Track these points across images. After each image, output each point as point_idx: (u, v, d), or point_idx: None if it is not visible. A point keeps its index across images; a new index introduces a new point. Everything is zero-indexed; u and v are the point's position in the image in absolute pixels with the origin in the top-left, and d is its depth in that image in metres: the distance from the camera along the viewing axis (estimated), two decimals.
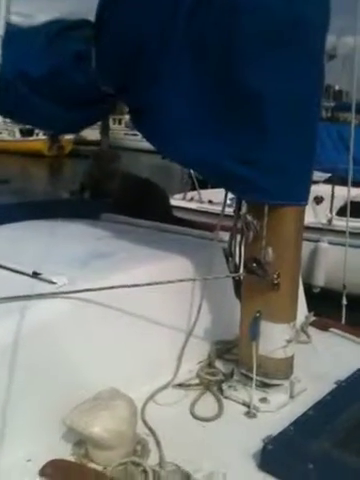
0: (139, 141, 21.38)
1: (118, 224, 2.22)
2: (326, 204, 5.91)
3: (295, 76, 1.36)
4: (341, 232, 3.98)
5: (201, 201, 6.61)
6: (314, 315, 2.10)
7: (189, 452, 1.30)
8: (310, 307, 2.13)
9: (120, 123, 29.00)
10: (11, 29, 1.92)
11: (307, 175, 1.49)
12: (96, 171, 3.20)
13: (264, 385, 1.53)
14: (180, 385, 1.58)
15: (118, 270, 1.59)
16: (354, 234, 4.15)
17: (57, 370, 1.33)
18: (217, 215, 1.76)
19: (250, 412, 1.48)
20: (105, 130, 3.29)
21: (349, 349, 1.90)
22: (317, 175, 5.67)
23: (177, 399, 1.52)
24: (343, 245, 2.60)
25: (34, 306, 1.33)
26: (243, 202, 1.55)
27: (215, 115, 1.44)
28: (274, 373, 1.52)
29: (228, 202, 1.71)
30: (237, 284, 1.62)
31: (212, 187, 6.05)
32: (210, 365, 1.69)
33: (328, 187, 5.85)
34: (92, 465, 1.24)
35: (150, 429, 1.37)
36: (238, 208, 1.57)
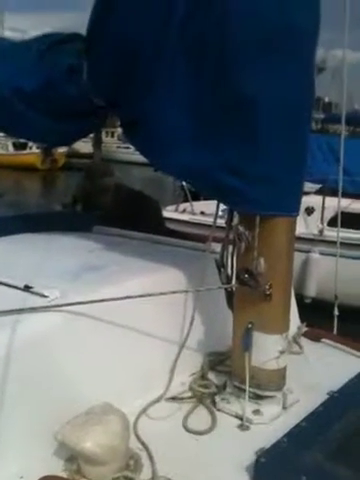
0: (132, 154, 21.47)
1: (110, 236, 2.22)
2: (317, 215, 5.96)
3: (287, 84, 1.38)
4: (332, 242, 4.01)
5: (193, 213, 6.64)
6: (306, 326, 2.11)
7: (182, 466, 1.29)
8: (302, 318, 2.13)
9: (113, 136, 29.12)
10: (3, 44, 1.94)
11: (298, 186, 1.51)
12: (88, 184, 3.20)
13: (257, 397, 1.53)
14: (173, 398, 1.57)
15: (110, 283, 1.59)
16: (345, 244, 4.18)
17: (49, 384, 1.32)
18: (209, 226, 1.77)
19: (243, 425, 1.47)
20: (98, 143, 3.30)
21: (341, 359, 1.91)
22: (308, 186, 5.73)
23: (170, 412, 1.51)
24: (334, 255, 2.61)
25: (26, 320, 1.33)
26: (235, 213, 1.56)
27: (207, 127, 1.46)
28: (267, 384, 1.52)
29: (220, 213, 1.72)
30: (229, 295, 1.62)
31: (204, 199, 6.09)
32: (203, 377, 1.68)
33: (319, 198, 5.90)
34: None
35: (143, 443, 1.35)
36: (230, 219, 1.58)
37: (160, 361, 1.61)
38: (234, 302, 1.59)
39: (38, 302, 1.40)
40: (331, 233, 5.33)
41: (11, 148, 23.93)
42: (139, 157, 1.76)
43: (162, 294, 1.48)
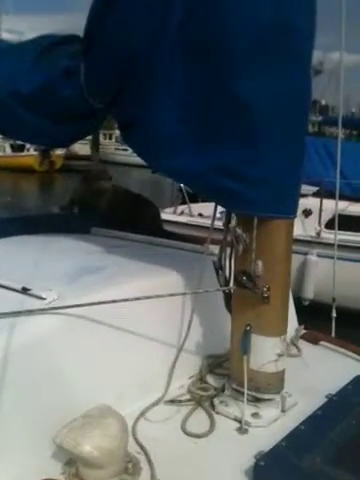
0: (129, 156, 21.52)
1: (108, 238, 2.21)
2: (315, 217, 5.98)
3: (284, 86, 1.37)
4: (330, 245, 4.02)
5: (191, 215, 6.65)
6: (304, 328, 2.10)
7: (181, 469, 1.28)
8: (300, 320, 2.13)
9: (111, 138, 29.17)
10: (0, 46, 1.94)
11: (295, 188, 1.51)
12: (84, 188, 3.21)
13: (255, 400, 1.52)
14: (171, 401, 1.57)
15: (108, 285, 1.58)
16: (343, 247, 4.19)
17: (47, 387, 1.31)
18: (207, 229, 1.76)
19: (242, 428, 1.47)
20: (95, 145, 3.30)
21: (339, 362, 1.90)
22: (305, 188, 5.74)
23: (168, 416, 1.50)
24: (332, 258, 2.61)
25: (23, 322, 1.32)
26: (233, 215, 1.55)
27: (204, 129, 1.45)
28: (265, 387, 1.52)
29: (218, 216, 1.72)
30: (227, 297, 1.62)
31: (202, 201, 6.09)
32: (201, 380, 1.68)
33: (316, 200, 5.92)
34: None
35: (141, 446, 1.35)
36: (227, 221, 1.58)
37: (158, 364, 1.61)
38: (232, 304, 1.59)
39: (36, 304, 1.39)
40: (329, 235, 5.34)
41: (9, 150, 23.94)
42: (137, 159, 1.76)
43: (160, 296, 1.48)
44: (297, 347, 1.97)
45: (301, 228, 5.71)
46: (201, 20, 1.38)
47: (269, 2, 1.34)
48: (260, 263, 1.45)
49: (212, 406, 1.56)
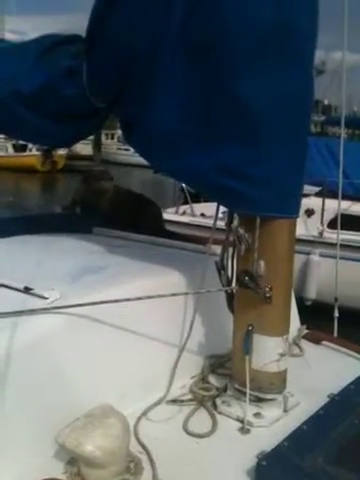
0: (131, 156, 21.53)
1: (111, 238, 2.22)
2: (317, 217, 5.96)
3: (286, 86, 1.37)
4: (332, 245, 4.01)
5: (193, 215, 6.64)
6: (306, 328, 2.10)
7: (183, 469, 1.28)
8: (302, 320, 2.13)
9: (112, 138, 29.19)
10: (1, 45, 1.94)
11: (298, 188, 1.50)
12: (86, 188, 3.21)
13: (258, 400, 1.52)
14: (173, 401, 1.57)
15: (110, 284, 1.58)
16: (345, 246, 4.18)
17: (49, 386, 1.31)
18: (209, 229, 1.76)
19: (244, 428, 1.47)
20: (97, 145, 3.31)
21: (342, 362, 1.90)
22: (308, 188, 5.74)
23: (170, 415, 1.50)
24: (334, 257, 2.61)
25: (26, 322, 1.32)
26: (235, 215, 1.55)
27: (207, 128, 1.45)
28: (268, 387, 1.51)
29: (220, 216, 1.72)
30: (230, 297, 1.62)
31: (204, 201, 6.09)
32: (203, 380, 1.68)
33: (319, 200, 5.91)
34: None
35: (143, 446, 1.35)
36: (230, 221, 1.58)
37: (160, 364, 1.61)
38: (234, 304, 1.58)
39: (38, 304, 1.40)
40: (331, 235, 5.33)
41: (11, 150, 23.99)
42: (139, 159, 1.76)
43: (162, 296, 1.48)
44: (299, 347, 1.97)
45: (303, 228, 5.70)
46: (202, 20, 1.38)
47: (270, 2, 1.33)
48: (262, 263, 1.44)
49: (214, 406, 1.56)
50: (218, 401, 1.57)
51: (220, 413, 1.53)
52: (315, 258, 5.87)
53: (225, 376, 1.66)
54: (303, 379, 1.67)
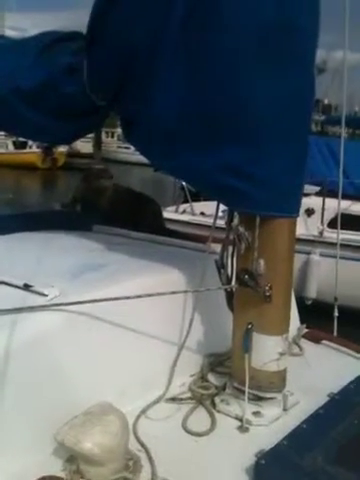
0: (131, 154, 21.53)
1: (110, 236, 2.21)
2: (317, 216, 5.96)
3: (287, 85, 1.37)
4: (332, 244, 4.01)
5: (193, 213, 6.64)
6: (306, 327, 2.10)
7: (182, 467, 1.28)
8: (302, 319, 2.13)
9: (113, 136, 29.18)
10: (1, 42, 1.94)
11: (298, 187, 1.50)
12: (85, 186, 3.21)
13: (257, 398, 1.52)
14: (172, 399, 1.57)
15: (110, 282, 1.58)
16: (345, 246, 4.18)
17: (48, 384, 1.31)
18: (209, 227, 1.76)
19: (243, 426, 1.47)
20: (98, 143, 3.31)
21: (341, 361, 1.90)
22: (308, 188, 5.73)
23: (169, 413, 1.50)
24: (334, 257, 2.61)
25: (25, 319, 1.32)
26: (235, 214, 1.55)
27: (207, 127, 1.45)
28: (267, 386, 1.51)
29: (220, 214, 1.71)
30: (229, 296, 1.61)
31: (204, 199, 6.08)
32: (202, 378, 1.68)
33: (319, 199, 5.90)
34: None
35: (142, 444, 1.35)
36: (230, 220, 1.57)
37: (160, 362, 1.61)
38: (234, 303, 1.58)
39: (38, 301, 1.39)
40: (331, 234, 5.33)
41: (11, 147, 23.99)
42: (139, 157, 1.76)
43: (162, 294, 1.48)
44: (299, 346, 1.97)
45: (304, 227, 5.70)
46: (203, 18, 1.38)
47: (271, 1, 1.33)
48: (262, 262, 1.44)
49: (213, 404, 1.56)
50: (217, 399, 1.57)
51: (219, 412, 1.53)
52: (315, 258, 5.87)
53: (224, 375, 1.66)
54: (303, 378, 1.67)
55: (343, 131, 3.26)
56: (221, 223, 1.66)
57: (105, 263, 1.77)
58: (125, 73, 1.55)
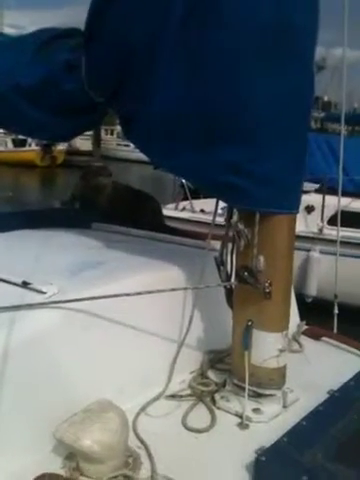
0: (131, 152, 21.51)
1: (110, 233, 2.21)
2: (317, 213, 5.95)
3: (286, 83, 1.36)
4: (332, 241, 4.00)
5: (193, 211, 6.63)
6: (306, 324, 2.10)
7: (182, 464, 1.28)
8: (302, 317, 2.13)
9: (112, 134, 29.14)
10: (1, 40, 1.93)
11: (298, 184, 1.50)
12: (84, 184, 3.20)
13: (257, 395, 1.52)
14: (172, 396, 1.57)
15: (109, 279, 1.58)
16: (345, 243, 4.17)
17: (47, 381, 1.31)
18: (209, 224, 1.76)
19: (243, 423, 1.47)
20: (97, 141, 3.30)
21: (341, 358, 1.90)
22: (308, 185, 5.73)
23: (169, 410, 1.50)
24: (334, 254, 2.60)
25: (24, 316, 1.32)
26: (234, 211, 1.55)
27: (207, 124, 1.44)
28: (267, 383, 1.51)
29: (220, 211, 1.71)
30: (229, 293, 1.61)
31: (204, 197, 6.08)
32: (202, 375, 1.68)
33: (319, 196, 5.89)
34: (83, 478, 1.22)
35: (142, 441, 1.35)
36: (229, 217, 1.57)
37: (159, 359, 1.61)
38: (234, 300, 1.58)
39: (36, 298, 1.39)
40: (331, 232, 5.33)
41: (10, 145, 23.95)
42: (139, 155, 1.76)
43: (161, 291, 1.48)
44: (299, 343, 1.97)
45: (303, 224, 5.69)
46: (202, 16, 1.37)
47: (270, 0, 1.33)
48: (262, 258, 1.44)
49: (213, 401, 1.56)
50: (217, 396, 1.57)
51: (219, 408, 1.53)
52: (315, 255, 5.86)
53: (224, 371, 1.66)
54: (303, 375, 1.67)
55: (343, 128, 3.25)
56: (221, 220, 1.66)
57: (104, 260, 1.76)
58: (123, 70, 1.54)
